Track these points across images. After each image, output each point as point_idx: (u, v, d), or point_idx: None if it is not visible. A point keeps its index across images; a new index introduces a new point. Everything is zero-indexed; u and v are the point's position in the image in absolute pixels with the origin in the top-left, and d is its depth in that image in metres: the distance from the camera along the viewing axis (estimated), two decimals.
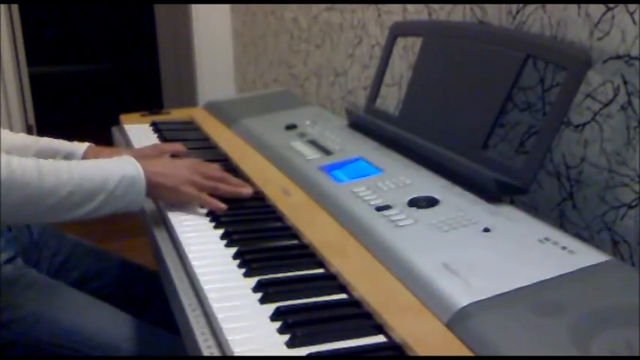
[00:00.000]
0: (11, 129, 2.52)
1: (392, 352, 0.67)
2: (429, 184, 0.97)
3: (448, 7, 1.31)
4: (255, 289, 0.79)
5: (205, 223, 1.00)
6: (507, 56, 0.99)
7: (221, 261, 0.87)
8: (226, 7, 2.82)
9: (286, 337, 0.69)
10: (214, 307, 0.75)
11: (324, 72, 1.96)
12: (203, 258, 0.88)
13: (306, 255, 0.89)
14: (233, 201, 1.05)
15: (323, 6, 1.92)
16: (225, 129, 1.50)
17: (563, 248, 0.76)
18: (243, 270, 0.84)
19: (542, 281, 0.69)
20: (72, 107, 5.20)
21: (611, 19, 0.93)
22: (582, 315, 0.63)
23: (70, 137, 1.31)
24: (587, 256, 0.74)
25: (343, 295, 0.78)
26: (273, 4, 2.33)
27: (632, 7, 0.90)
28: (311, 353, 0.66)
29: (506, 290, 0.68)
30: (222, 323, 0.71)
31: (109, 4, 5.65)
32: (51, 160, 0.96)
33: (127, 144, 1.49)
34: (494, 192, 0.90)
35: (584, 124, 1.00)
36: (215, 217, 1.00)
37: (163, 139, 1.48)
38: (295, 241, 0.93)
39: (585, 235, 1.01)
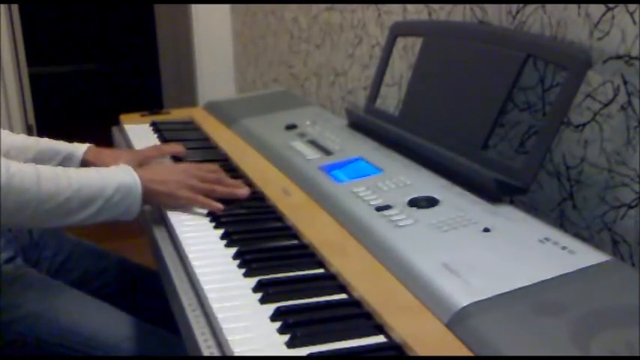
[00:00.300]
0: (11, 129, 2.52)
1: (392, 352, 0.67)
2: (429, 184, 0.97)
3: (448, 7, 1.31)
4: (255, 289, 0.79)
5: (205, 223, 1.00)
6: (507, 56, 0.99)
7: (221, 261, 0.87)
8: (226, 7, 2.82)
9: (286, 337, 0.69)
10: (214, 307, 0.75)
11: (324, 72, 1.96)
12: (203, 258, 0.88)
13: (306, 255, 0.89)
14: (233, 201, 1.05)
15: (323, 6, 1.92)
16: (225, 129, 1.50)
17: (563, 248, 0.76)
18: (243, 270, 0.84)
19: (542, 281, 0.69)
20: (72, 107, 5.20)
21: (611, 19, 0.93)
22: (582, 315, 0.63)
23: (70, 137, 1.31)
24: (587, 256, 0.74)
25: (343, 295, 0.78)
26: (273, 4, 2.33)
27: (632, 7, 0.90)
28: (311, 353, 0.66)
29: (506, 290, 0.68)
30: (222, 323, 0.71)
31: (109, 4, 5.66)
32: (49, 166, 0.97)
33: (127, 144, 1.49)
34: (494, 192, 0.90)
35: (584, 124, 1.00)
36: (215, 218, 1.00)
37: (163, 139, 1.48)
38: (295, 241, 0.93)
39: (585, 235, 1.01)
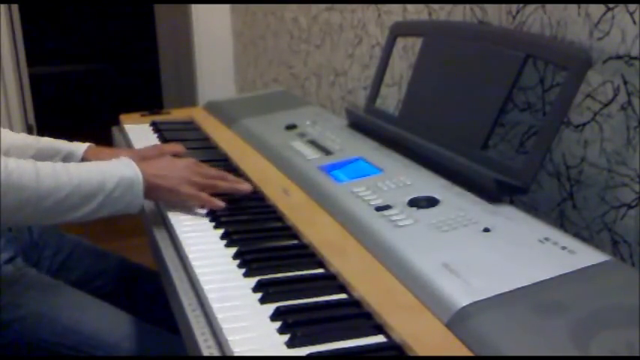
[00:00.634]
0: (11, 129, 2.51)
1: (392, 352, 0.67)
2: (429, 184, 0.97)
3: (448, 7, 1.31)
4: (255, 289, 0.79)
5: (205, 223, 1.00)
6: (507, 56, 0.99)
7: (221, 261, 0.87)
8: (226, 7, 2.82)
9: (286, 337, 0.69)
10: (214, 307, 0.75)
11: (324, 72, 1.96)
12: (203, 258, 0.88)
13: (306, 255, 0.89)
14: (233, 201, 1.05)
15: (323, 6, 1.92)
16: (225, 129, 1.50)
17: (563, 248, 0.76)
18: (243, 270, 0.84)
19: (542, 281, 0.69)
20: (72, 107, 5.20)
21: (611, 19, 0.93)
22: (582, 315, 0.63)
23: (70, 137, 1.31)
24: (587, 256, 0.74)
25: (343, 295, 0.78)
26: (273, 4, 2.33)
27: (632, 7, 0.90)
28: (311, 353, 0.66)
29: (506, 290, 0.68)
30: (222, 323, 0.72)
31: (109, 5, 5.65)
32: (49, 162, 0.97)
33: (127, 144, 1.49)
34: (494, 192, 0.90)
35: (584, 124, 1.00)
36: (215, 217, 1.00)
37: (163, 139, 1.48)
38: (295, 241, 0.93)
39: (585, 235, 1.01)
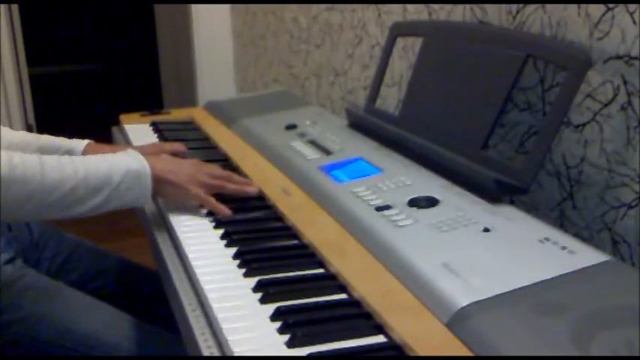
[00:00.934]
0: (11, 129, 2.52)
1: (392, 352, 0.67)
2: (429, 184, 0.97)
3: (448, 7, 1.31)
4: (255, 289, 0.79)
5: (205, 223, 1.00)
6: (507, 56, 0.99)
7: (221, 261, 0.87)
8: (226, 7, 2.82)
9: (286, 337, 0.69)
10: (214, 307, 0.75)
11: (324, 72, 1.96)
12: (203, 258, 0.88)
13: (306, 255, 0.89)
14: (233, 201, 1.05)
15: (323, 6, 1.92)
16: (225, 129, 1.50)
17: (563, 248, 0.76)
18: (243, 270, 0.84)
19: (542, 281, 0.69)
20: (72, 107, 5.20)
21: (611, 19, 0.93)
22: (582, 315, 0.63)
23: (70, 137, 1.31)
24: (587, 256, 0.74)
25: (343, 295, 0.78)
26: (273, 4, 2.33)
27: (632, 7, 0.90)
28: (311, 353, 0.66)
29: (506, 290, 0.68)
30: (222, 323, 0.72)
31: (109, 4, 5.66)
32: (54, 155, 0.96)
33: (127, 144, 1.49)
34: (494, 192, 0.90)
35: (584, 124, 1.00)
36: (215, 217, 1.00)
37: (163, 139, 1.48)
38: (295, 241, 0.93)
39: (585, 235, 1.01)
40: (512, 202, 1.06)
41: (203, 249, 0.91)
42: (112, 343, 1.06)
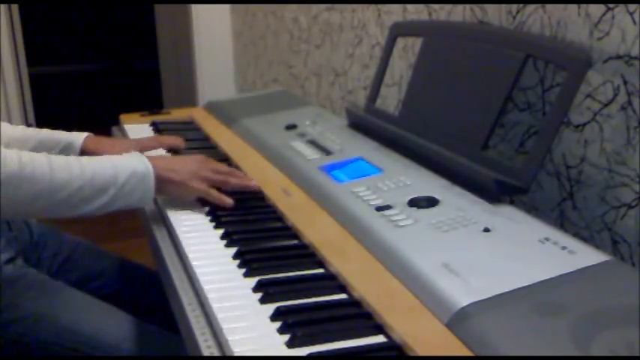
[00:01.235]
0: None
1: (392, 352, 0.67)
2: (429, 184, 0.97)
3: (448, 7, 1.31)
4: (255, 289, 0.79)
5: (205, 223, 1.00)
6: (507, 56, 0.99)
7: (221, 261, 0.87)
8: (226, 7, 2.82)
9: (286, 337, 0.69)
10: (214, 307, 0.75)
11: (324, 72, 1.96)
12: (203, 258, 0.88)
13: (306, 255, 0.89)
14: (234, 200, 1.05)
15: (323, 6, 1.92)
16: (225, 129, 1.50)
17: (563, 248, 0.76)
18: (243, 270, 0.84)
19: (542, 281, 0.69)
20: (72, 107, 5.21)
21: (611, 19, 0.93)
22: (582, 315, 0.63)
23: None
24: (587, 256, 0.74)
25: (343, 295, 0.78)
26: (273, 4, 2.33)
27: (632, 7, 0.90)
28: (311, 353, 0.66)
29: (506, 290, 0.68)
30: (222, 323, 0.72)
31: (109, 4, 5.66)
32: (62, 155, 0.97)
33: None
34: (494, 192, 0.90)
35: (584, 124, 1.00)
36: (215, 217, 1.00)
37: None
38: (295, 241, 0.93)
39: (585, 235, 1.01)
40: (512, 202, 1.06)
41: (203, 249, 0.91)
42: (112, 343, 1.06)
